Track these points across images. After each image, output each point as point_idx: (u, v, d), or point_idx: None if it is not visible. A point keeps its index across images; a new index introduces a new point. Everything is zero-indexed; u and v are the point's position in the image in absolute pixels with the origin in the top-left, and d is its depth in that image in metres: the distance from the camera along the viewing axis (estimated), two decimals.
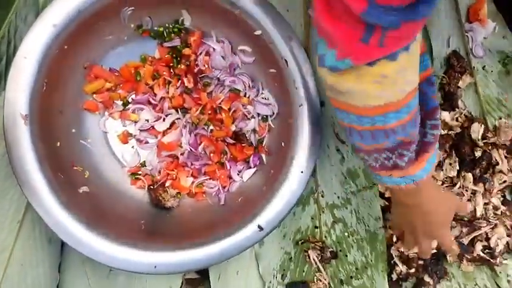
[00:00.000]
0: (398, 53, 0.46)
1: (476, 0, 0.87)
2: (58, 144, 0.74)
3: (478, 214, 0.83)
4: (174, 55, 0.80)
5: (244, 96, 0.82)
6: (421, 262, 0.83)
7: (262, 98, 0.82)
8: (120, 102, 0.80)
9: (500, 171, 0.84)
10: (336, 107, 0.53)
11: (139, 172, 0.80)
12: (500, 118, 0.88)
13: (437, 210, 0.66)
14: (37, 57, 0.69)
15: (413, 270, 0.82)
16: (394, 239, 0.82)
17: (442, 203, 0.67)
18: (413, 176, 0.57)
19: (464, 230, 0.82)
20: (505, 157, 0.85)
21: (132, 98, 0.81)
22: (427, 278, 0.83)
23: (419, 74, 0.53)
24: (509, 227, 0.85)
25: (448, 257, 0.83)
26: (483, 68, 0.89)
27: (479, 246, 0.83)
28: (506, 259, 0.84)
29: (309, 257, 0.81)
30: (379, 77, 0.47)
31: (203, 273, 0.83)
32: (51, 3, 0.70)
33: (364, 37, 0.44)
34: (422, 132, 0.58)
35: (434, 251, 0.80)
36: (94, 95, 0.79)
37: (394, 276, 0.83)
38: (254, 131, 0.83)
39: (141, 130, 0.81)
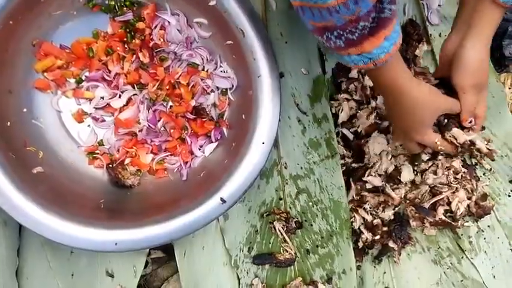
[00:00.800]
0: None
1: None
2: (8, 124, 0.71)
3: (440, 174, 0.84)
4: (128, 29, 0.78)
5: (203, 70, 0.81)
6: (385, 229, 0.84)
7: (221, 71, 0.81)
8: (73, 80, 0.78)
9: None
10: None
11: (97, 151, 0.79)
12: None
13: (414, 112, 0.65)
14: None
15: (378, 237, 0.83)
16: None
17: (421, 105, 0.64)
18: (370, 54, 0.56)
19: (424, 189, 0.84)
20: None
21: (85, 75, 0.78)
22: (392, 244, 0.84)
23: None
24: (469, 190, 0.86)
25: (411, 222, 0.85)
26: (439, 35, 0.90)
27: (441, 210, 0.85)
28: (467, 221, 0.86)
29: (275, 229, 0.81)
30: None
31: (169, 252, 0.82)
32: None
33: None
34: (379, 8, 0.55)
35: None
36: (45, 73, 0.76)
37: (360, 244, 0.84)
38: (214, 105, 0.82)
39: (96, 108, 0.79)
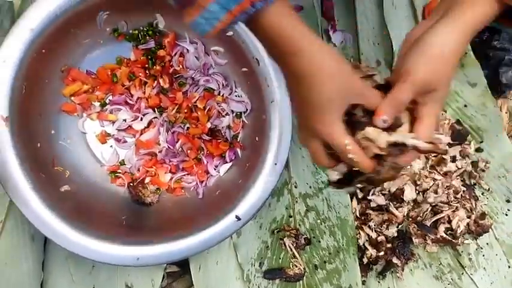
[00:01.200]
0: None
1: (431, 0, 0.94)
2: (38, 145, 0.76)
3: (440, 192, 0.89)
4: (149, 57, 0.83)
5: (219, 94, 0.86)
6: (389, 245, 0.88)
7: (236, 95, 0.86)
8: (97, 104, 0.83)
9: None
10: None
11: (119, 170, 0.83)
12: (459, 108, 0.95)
13: (314, 84, 0.45)
14: (16, 61, 0.72)
15: (382, 253, 0.88)
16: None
17: (324, 76, 0.45)
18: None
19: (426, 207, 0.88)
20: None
21: (109, 99, 0.84)
22: (395, 260, 0.88)
23: None
24: (468, 209, 0.91)
25: (413, 239, 0.89)
26: None
27: (442, 228, 0.89)
28: (467, 239, 0.91)
29: (285, 245, 0.86)
30: None
31: (184, 266, 0.87)
32: (28, 8, 0.72)
33: None
34: None
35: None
36: (72, 97, 0.81)
37: (365, 260, 0.88)
38: (229, 127, 0.86)
39: (119, 130, 0.84)
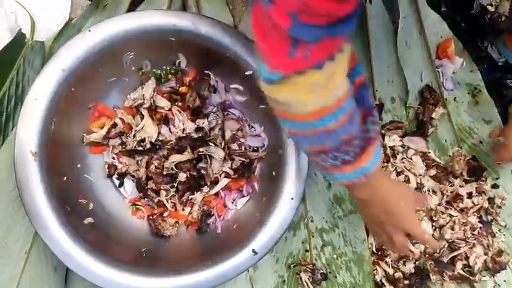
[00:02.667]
0: (323, 62, 0.50)
1: (444, 40, 0.96)
2: (64, 178, 0.79)
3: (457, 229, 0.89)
4: (174, 93, 0.87)
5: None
6: (406, 282, 0.88)
7: (253, 131, 0.88)
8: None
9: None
10: (280, 116, 0.57)
11: (139, 203, 0.86)
12: (475, 145, 0.96)
13: (394, 197, 0.68)
14: (47, 98, 0.76)
15: None
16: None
17: (396, 191, 0.70)
18: (363, 169, 0.61)
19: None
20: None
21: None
22: None
23: (356, 80, 0.62)
24: (485, 246, 0.91)
25: (431, 276, 0.89)
26: (454, 99, 0.97)
27: (459, 265, 0.89)
28: (484, 276, 0.90)
29: (301, 280, 0.86)
30: (310, 85, 0.51)
31: None
32: (60, 49, 0.77)
33: (290, 51, 0.47)
34: (365, 129, 0.62)
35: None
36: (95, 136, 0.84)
37: None
38: None
39: None
